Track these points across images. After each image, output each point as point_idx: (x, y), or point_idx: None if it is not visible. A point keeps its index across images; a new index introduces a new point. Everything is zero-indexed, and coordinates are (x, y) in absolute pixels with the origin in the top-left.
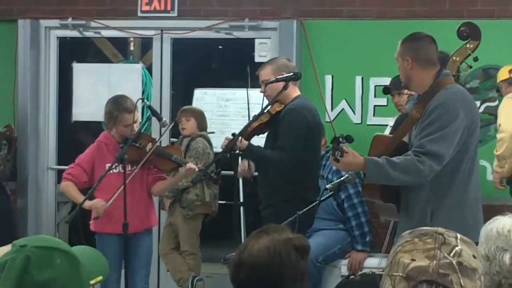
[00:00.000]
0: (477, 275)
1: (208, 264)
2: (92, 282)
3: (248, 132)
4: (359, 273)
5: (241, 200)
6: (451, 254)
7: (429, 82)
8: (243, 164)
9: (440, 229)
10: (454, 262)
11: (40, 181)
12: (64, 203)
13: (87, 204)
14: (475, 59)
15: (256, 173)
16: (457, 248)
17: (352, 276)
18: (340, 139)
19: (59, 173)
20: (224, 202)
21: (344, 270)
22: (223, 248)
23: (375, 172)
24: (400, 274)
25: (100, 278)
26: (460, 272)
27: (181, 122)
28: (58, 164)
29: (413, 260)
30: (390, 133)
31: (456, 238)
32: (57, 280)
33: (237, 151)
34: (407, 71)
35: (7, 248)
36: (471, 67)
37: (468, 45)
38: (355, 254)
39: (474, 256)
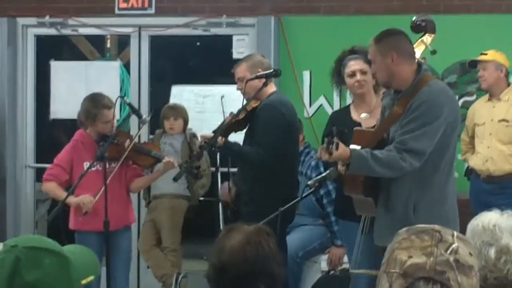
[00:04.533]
0: (473, 272)
1: (188, 260)
2: (83, 282)
3: (225, 130)
4: (339, 268)
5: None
6: (448, 251)
7: (411, 78)
8: (223, 188)
9: (436, 227)
10: (451, 259)
11: (19, 179)
12: (43, 201)
13: (73, 200)
14: (433, 53)
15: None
16: (453, 246)
17: (332, 272)
18: (335, 133)
19: (38, 171)
20: (203, 198)
21: (323, 266)
22: (202, 244)
23: (359, 165)
24: (397, 271)
25: (91, 278)
26: (457, 269)
27: (169, 121)
28: (36, 162)
29: (410, 257)
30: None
31: (453, 235)
32: (46, 281)
33: (214, 148)
34: (390, 68)
35: None
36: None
37: (424, 38)
38: (334, 250)
39: (470, 254)
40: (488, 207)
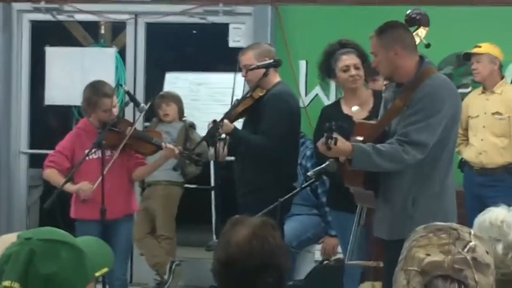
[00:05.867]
0: (490, 270)
1: (180, 248)
2: (97, 274)
3: (232, 116)
4: (333, 258)
5: (212, 184)
6: (465, 250)
7: (413, 70)
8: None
9: (454, 225)
10: (468, 257)
11: (12, 165)
12: (35, 187)
13: (72, 188)
14: (427, 46)
15: (229, 158)
16: (471, 244)
17: (326, 261)
18: (333, 127)
19: (31, 157)
20: (195, 186)
21: (317, 256)
22: (195, 232)
23: (362, 159)
24: (415, 269)
25: (105, 269)
26: (474, 267)
27: (161, 108)
28: (30, 148)
29: (428, 255)
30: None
31: (470, 233)
32: (62, 273)
33: (222, 135)
34: (393, 61)
35: (10, 236)
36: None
37: (418, 32)
38: (328, 240)
39: (487, 252)
40: (481, 199)
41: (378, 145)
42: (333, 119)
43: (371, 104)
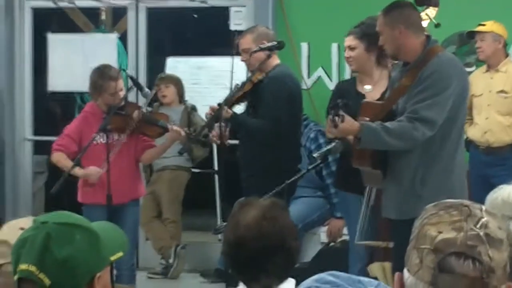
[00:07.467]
0: (504, 246)
1: (185, 232)
2: (112, 258)
3: (232, 101)
4: (339, 240)
5: (216, 168)
6: (478, 226)
7: (419, 49)
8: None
9: (465, 201)
10: (481, 233)
11: (17, 152)
12: (41, 173)
13: (80, 172)
14: (437, 26)
15: (233, 141)
16: (483, 220)
17: (332, 244)
18: (340, 105)
19: (35, 143)
20: (199, 170)
21: (323, 237)
22: (200, 216)
23: (370, 138)
24: (428, 247)
25: (120, 254)
26: (487, 243)
27: (160, 90)
28: (34, 135)
29: (440, 232)
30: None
31: (481, 209)
32: (78, 257)
33: (221, 119)
34: (397, 40)
35: (25, 220)
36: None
37: (428, 11)
38: (334, 222)
39: (499, 228)
40: (487, 178)
41: (387, 123)
42: (346, 95)
43: (384, 86)
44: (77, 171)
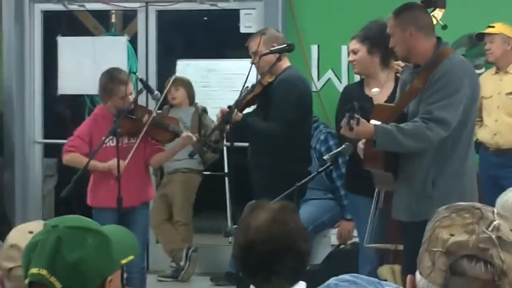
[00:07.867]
0: None
1: (196, 234)
2: (123, 261)
3: (242, 104)
4: (349, 242)
5: (226, 171)
6: (490, 229)
7: (430, 52)
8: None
9: (477, 204)
10: (493, 236)
11: (27, 155)
12: (50, 176)
13: (101, 165)
14: (444, 27)
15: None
16: (495, 223)
17: (342, 246)
18: (356, 107)
19: (45, 146)
20: (209, 173)
21: (333, 240)
22: (210, 219)
23: (386, 139)
24: (440, 250)
25: (131, 257)
26: (499, 246)
27: (170, 92)
28: (44, 138)
29: (452, 235)
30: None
31: (493, 212)
32: (89, 260)
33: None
34: (408, 42)
35: (33, 224)
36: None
37: (434, 13)
38: (344, 224)
39: (511, 230)
40: (497, 180)
41: (401, 124)
42: (354, 98)
43: (391, 88)
44: (98, 164)
